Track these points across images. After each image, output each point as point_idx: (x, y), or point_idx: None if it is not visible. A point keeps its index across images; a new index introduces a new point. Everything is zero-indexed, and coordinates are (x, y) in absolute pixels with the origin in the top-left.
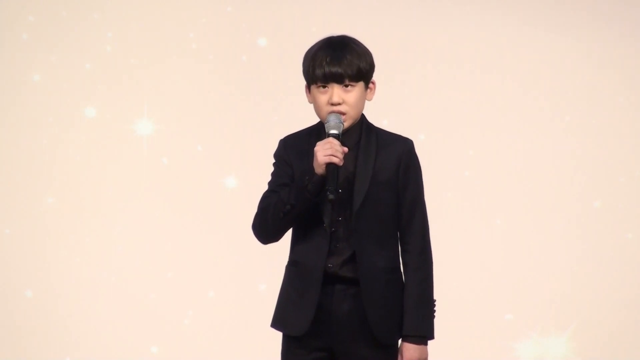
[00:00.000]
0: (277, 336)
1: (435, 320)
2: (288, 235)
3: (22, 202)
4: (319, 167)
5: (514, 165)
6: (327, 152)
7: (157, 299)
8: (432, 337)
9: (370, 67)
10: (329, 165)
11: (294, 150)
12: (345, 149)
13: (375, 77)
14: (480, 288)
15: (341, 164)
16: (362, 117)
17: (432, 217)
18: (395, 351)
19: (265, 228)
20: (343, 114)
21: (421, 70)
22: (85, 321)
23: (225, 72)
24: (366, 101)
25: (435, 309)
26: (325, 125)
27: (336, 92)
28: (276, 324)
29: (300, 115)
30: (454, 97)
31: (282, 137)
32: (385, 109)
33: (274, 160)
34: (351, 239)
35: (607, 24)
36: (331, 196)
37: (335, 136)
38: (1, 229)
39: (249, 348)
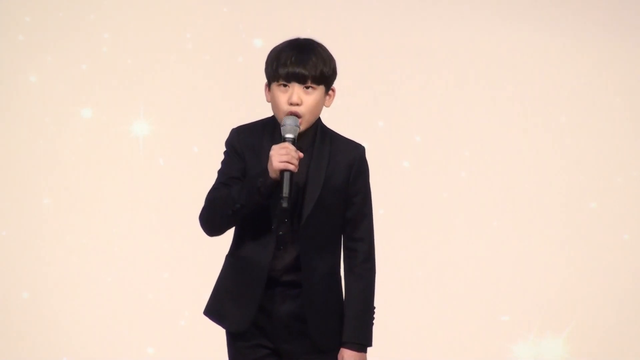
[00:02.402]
0: None
1: (437, 322)
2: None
3: (19, 203)
4: (273, 172)
5: (511, 166)
6: (283, 158)
7: (154, 300)
8: (370, 344)
9: (333, 73)
10: (284, 172)
11: (246, 143)
12: (301, 155)
13: (371, 78)
14: (476, 289)
15: (296, 170)
16: (318, 120)
17: (428, 218)
18: (334, 357)
19: (213, 222)
20: (299, 116)
21: (417, 72)
22: (82, 322)
23: (222, 72)
24: (324, 108)
25: (374, 316)
26: (282, 128)
27: (296, 92)
28: (212, 314)
29: None
30: (449, 98)
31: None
32: (381, 110)
33: (225, 149)
34: (296, 242)
35: (604, 24)
36: (285, 204)
37: (291, 140)
38: None
39: None
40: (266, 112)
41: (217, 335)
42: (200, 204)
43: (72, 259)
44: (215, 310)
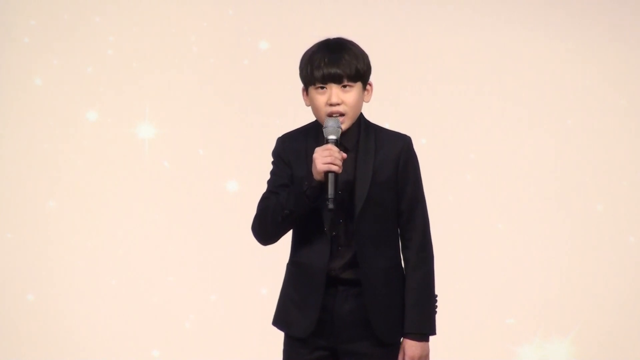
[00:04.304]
0: (279, 340)
1: (437, 324)
2: (288, 235)
3: (24, 206)
4: (317, 174)
5: (516, 168)
6: (326, 159)
7: (159, 303)
8: (433, 333)
9: (368, 68)
10: (328, 173)
11: (292, 150)
12: (344, 155)
13: (376, 81)
14: (481, 292)
15: (340, 171)
16: (361, 116)
17: (434, 221)
18: (397, 349)
19: (265, 230)
20: (342, 114)
21: (422, 75)
22: (87, 325)
23: (227, 75)
24: (364, 103)
25: (436, 304)
26: (324, 130)
27: (335, 92)
28: (278, 323)
29: (302, 118)
30: (455, 101)
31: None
32: (387, 113)
33: (272, 159)
34: (352, 241)
35: (610, 27)
36: (331, 206)
37: (334, 142)
38: (2, 232)
39: (251, 352)
40: (271, 114)
41: (220, 338)
42: (204, 206)
43: (77, 261)
44: (281, 319)
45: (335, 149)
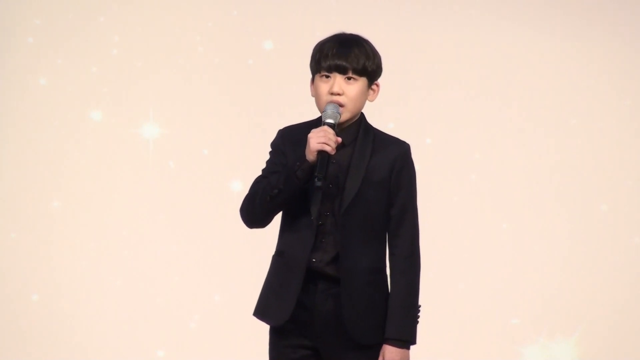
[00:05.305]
0: None
1: (443, 324)
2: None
3: (28, 206)
4: (310, 154)
5: (520, 168)
6: (320, 139)
7: (163, 303)
8: (414, 342)
9: (377, 68)
10: (320, 153)
11: (291, 141)
12: (339, 139)
13: (381, 81)
14: (486, 292)
15: (333, 152)
16: (362, 116)
17: (438, 221)
18: (376, 353)
19: (253, 211)
20: (341, 105)
21: (427, 74)
22: (91, 325)
23: (231, 75)
24: (367, 102)
25: (419, 314)
26: (322, 114)
27: (338, 81)
28: (257, 313)
29: (306, 118)
30: (460, 101)
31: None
32: (392, 112)
33: (270, 149)
34: (337, 235)
35: (614, 27)
36: (318, 183)
37: (331, 125)
38: (7, 232)
39: (255, 352)
40: (275, 113)
41: (225, 338)
42: (209, 206)
43: (82, 261)
44: (260, 309)
45: (330, 130)
